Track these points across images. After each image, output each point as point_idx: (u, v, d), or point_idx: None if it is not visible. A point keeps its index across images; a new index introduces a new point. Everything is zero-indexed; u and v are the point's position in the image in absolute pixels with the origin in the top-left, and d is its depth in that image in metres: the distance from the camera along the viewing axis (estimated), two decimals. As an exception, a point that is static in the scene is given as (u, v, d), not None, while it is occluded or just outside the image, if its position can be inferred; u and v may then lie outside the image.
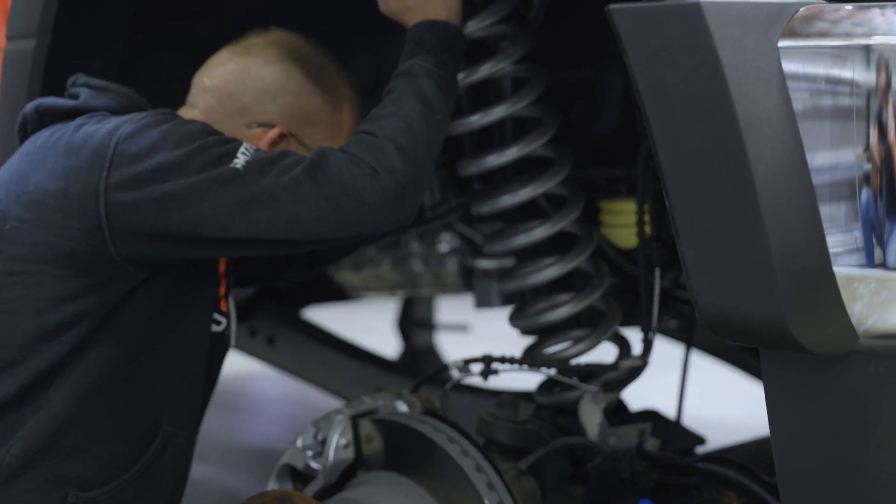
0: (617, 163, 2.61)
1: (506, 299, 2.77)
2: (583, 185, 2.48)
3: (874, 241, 1.62)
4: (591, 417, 2.33)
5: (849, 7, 1.61)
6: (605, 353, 2.46)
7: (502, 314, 2.58)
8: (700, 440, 2.50)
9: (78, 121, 2.17)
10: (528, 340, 2.50)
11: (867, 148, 1.61)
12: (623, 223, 2.54)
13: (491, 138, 2.47)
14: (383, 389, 2.36)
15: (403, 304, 4.65)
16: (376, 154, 2.08)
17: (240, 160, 2.06)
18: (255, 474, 4.01)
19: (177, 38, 2.65)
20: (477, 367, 2.40)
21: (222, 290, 2.31)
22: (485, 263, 2.60)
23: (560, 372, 2.39)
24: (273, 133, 2.27)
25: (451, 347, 4.81)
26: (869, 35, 1.60)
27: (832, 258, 1.62)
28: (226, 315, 2.33)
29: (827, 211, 1.62)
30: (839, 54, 1.60)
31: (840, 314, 1.62)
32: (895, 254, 1.62)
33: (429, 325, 4.65)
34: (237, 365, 3.55)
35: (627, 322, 2.52)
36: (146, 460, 2.19)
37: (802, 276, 1.61)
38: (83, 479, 2.13)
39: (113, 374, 2.13)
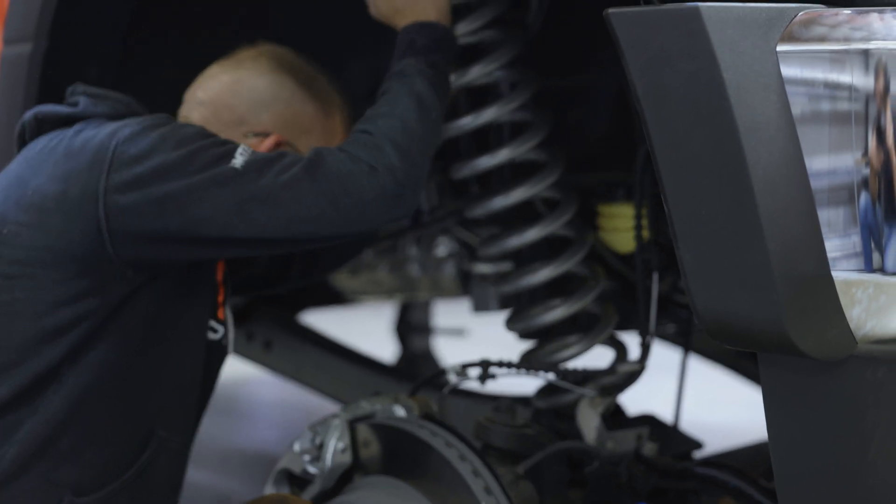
0: (612, 166, 2.62)
1: (503, 303, 2.77)
2: (580, 189, 2.48)
3: (872, 245, 1.62)
4: (589, 422, 2.33)
5: (847, 11, 1.61)
6: (602, 357, 2.46)
7: (499, 318, 2.58)
8: (697, 445, 2.50)
9: (77, 127, 2.18)
10: (524, 345, 2.50)
11: (865, 152, 1.61)
12: (621, 227, 2.55)
13: (486, 142, 2.48)
14: (381, 394, 2.36)
15: (400, 308, 4.65)
16: (374, 152, 2.10)
17: (238, 160, 2.08)
18: (251, 479, 4.01)
19: (174, 44, 2.65)
20: (474, 372, 2.40)
21: (220, 298, 2.32)
22: (482, 268, 2.60)
23: (557, 376, 2.39)
24: (269, 142, 2.29)
25: (448, 352, 4.80)
26: (867, 40, 1.60)
27: (831, 263, 1.62)
28: (223, 323, 2.33)
29: (825, 215, 1.62)
30: (838, 59, 1.60)
31: (838, 319, 1.62)
32: (893, 258, 1.62)
33: (426, 330, 4.64)
34: (234, 369, 3.54)
35: (625, 326, 2.53)
36: (140, 465, 2.19)
37: (801, 281, 1.60)
38: (78, 484, 2.13)
39: (109, 378, 2.14)
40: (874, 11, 1.61)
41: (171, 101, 2.37)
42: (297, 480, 2.30)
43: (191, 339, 2.26)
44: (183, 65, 2.41)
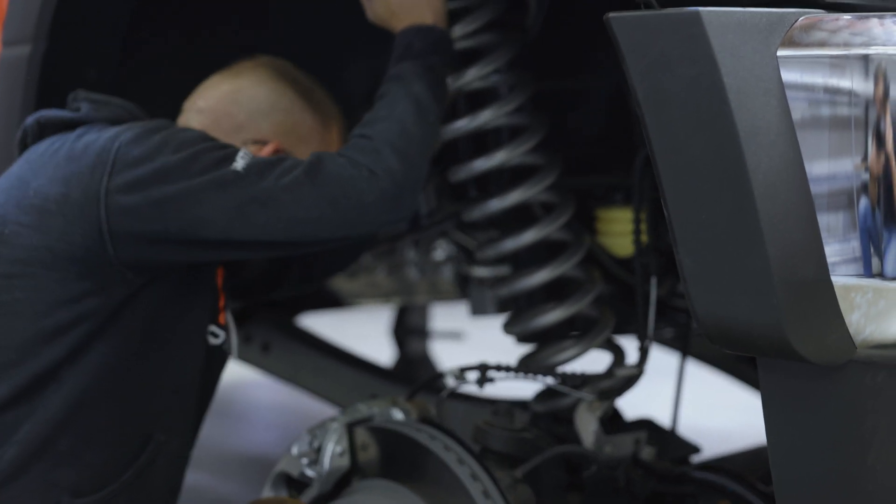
0: (611, 170, 2.62)
1: (501, 307, 2.77)
2: (579, 192, 2.48)
3: (872, 250, 1.62)
4: (587, 426, 2.33)
5: (847, 17, 1.61)
6: (600, 361, 2.46)
7: (496, 322, 2.58)
8: (695, 449, 2.50)
9: (79, 131, 2.20)
10: (523, 348, 2.50)
11: (865, 158, 1.61)
12: (619, 231, 2.55)
13: (485, 146, 2.49)
14: (378, 397, 2.36)
15: (398, 311, 4.65)
16: (373, 156, 2.12)
17: (239, 163, 2.10)
18: (249, 482, 4.00)
19: (174, 45, 2.65)
20: (473, 375, 2.40)
21: (221, 303, 2.32)
22: (480, 271, 2.60)
23: (556, 380, 2.39)
24: (268, 149, 2.31)
25: (446, 355, 4.80)
26: (867, 45, 1.60)
27: (830, 268, 1.62)
28: (224, 328, 2.33)
29: (825, 220, 1.62)
30: (838, 64, 1.60)
31: (838, 324, 1.62)
32: (893, 263, 1.62)
33: (423, 333, 4.64)
34: (232, 372, 3.54)
35: (623, 330, 2.53)
36: (138, 467, 2.20)
37: (801, 286, 1.60)
38: (76, 486, 2.14)
39: (108, 380, 2.14)
40: (874, 17, 1.61)
41: (170, 103, 2.37)
42: (295, 483, 2.29)
43: (190, 342, 2.26)
44: (182, 66, 2.42)
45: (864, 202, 1.61)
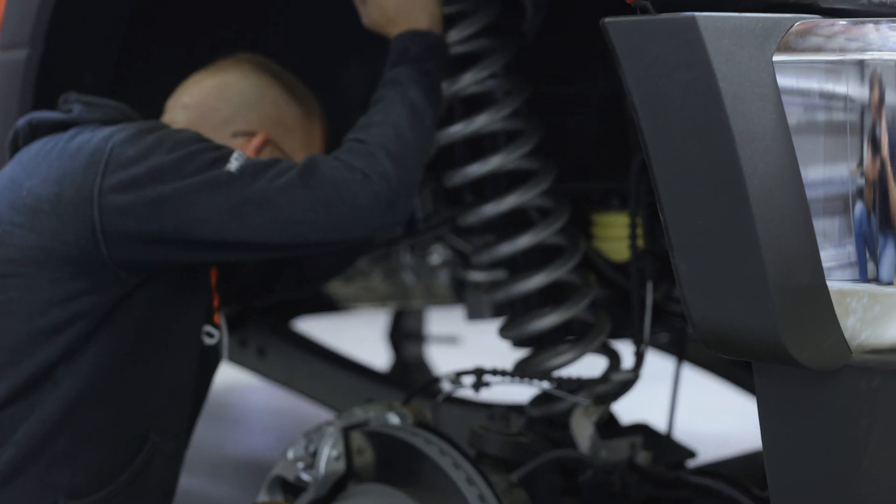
0: (607, 174, 2.62)
1: (497, 311, 2.77)
2: (575, 197, 2.49)
3: (867, 255, 1.62)
4: (583, 430, 2.33)
5: (843, 22, 1.62)
6: (596, 366, 2.46)
7: (493, 326, 2.58)
8: (691, 454, 2.50)
9: (72, 131, 2.19)
10: (518, 353, 2.50)
11: (861, 163, 1.61)
12: (615, 236, 2.55)
13: (481, 150, 2.49)
14: (374, 401, 2.36)
15: (394, 315, 4.65)
16: (368, 160, 2.12)
17: (233, 164, 2.10)
18: (244, 486, 4.00)
19: (171, 49, 2.65)
20: (468, 380, 2.40)
21: (215, 303, 2.32)
22: (476, 275, 2.61)
23: (552, 384, 2.39)
24: (257, 140, 2.31)
25: (442, 359, 4.80)
26: (863, 50, 1.60)
27: (826, 273, 1.62)
28: (219, 328, 2.33)
29: (821, 225, 1.62)
30: (833, 69, 1.60)
31: (833, 329, 1.62)
32: (888, 268, 1.62)
33: (419, 337, 4.64)
34: (227, 376, 3.54)
35: (619, 335, 2.53)
36: (134, 469, 2.20)
37: (796, 291, 1.61)
38: (72, 487, 2.14)
39: (103, 380, 2.15)
40: (870, 22, 1.62)
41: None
42: (291, 488, 2.29)
43: (186, 342, 2.27)
44: (180, 70, 2.41)
45: (859, 207, 1.61)
